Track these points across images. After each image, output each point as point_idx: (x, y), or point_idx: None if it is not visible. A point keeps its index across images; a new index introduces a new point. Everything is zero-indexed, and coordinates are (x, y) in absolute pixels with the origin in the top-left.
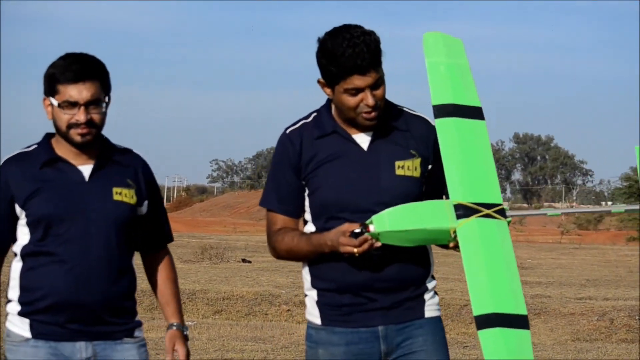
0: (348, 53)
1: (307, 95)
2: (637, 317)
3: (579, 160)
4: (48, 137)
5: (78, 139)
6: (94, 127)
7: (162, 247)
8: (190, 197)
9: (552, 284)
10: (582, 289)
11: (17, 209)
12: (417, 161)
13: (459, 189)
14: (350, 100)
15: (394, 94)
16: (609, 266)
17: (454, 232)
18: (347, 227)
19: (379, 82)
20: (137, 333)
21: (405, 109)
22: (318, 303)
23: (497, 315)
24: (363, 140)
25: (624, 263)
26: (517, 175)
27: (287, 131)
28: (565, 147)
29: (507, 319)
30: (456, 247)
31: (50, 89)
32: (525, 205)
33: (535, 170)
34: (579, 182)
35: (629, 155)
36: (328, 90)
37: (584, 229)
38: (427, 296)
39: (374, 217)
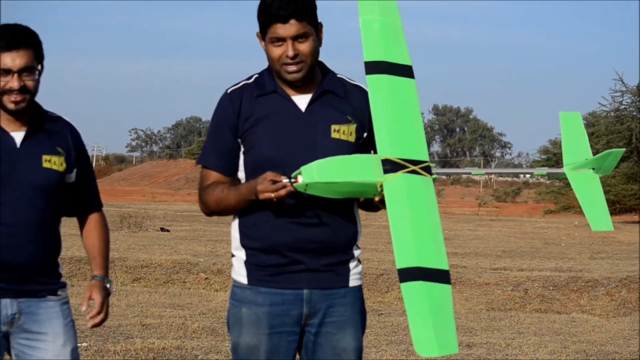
0: (274, 2)
1: (232, 66)
2: (550, 288)
3: (497, 133)
4: None
5: (11, 106)
6: (27, 93)
7: (93, 212)
8: (109, 166)
9: (468, 255)
10: (497, 260)
11: None
12: (353, 127)
13: (387, 145)
14: (275, 51)
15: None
16: (525, 238)
17: (381, 186)
18: (269, 174)
19: (303, 35)
20: (60, 292)
21: (345, 78)
22: (246, 263)
23: (420, 269)
24: (302, 102)
25: (540, 235)
26: (435, 147)
27: (228, 91)
28: (484, 120)
29: (429, 273)
30: (381, 202)
31: None
32: (444, 177)
33: (454, 142)
34: (498, 154)
35: (547, 128)
36: (262, 43)
37: (502, 201)
38: (352, 264)
39: (303, 168)
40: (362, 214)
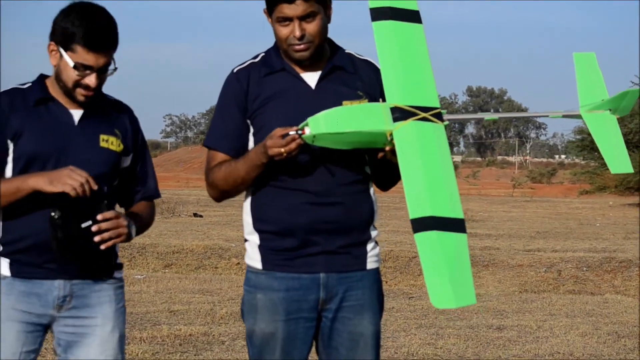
0: None
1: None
2: (584, 269)
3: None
4: (42, 77)
5: (82, 99)
6: (99, 90)
7: (148, 201)
8: None
9: (502, 236)
10: (531, 241)
11: (7, 142)
12: (365, 102)
13: (395, 92)
14: (282, 31)
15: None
16: (559, 219)
17: (391, 134)
18: (279, 129)
19: (311, 15)
20: (116, 274)
21: (353, 53)
22: (260, 247)
23: (434, 218)
24: (311, 79)
25: (575, 215)
26: (470, 129)
27: (235, 70)
28: (518, 100)
29: (443, 222)
30: (392, 152)
31: (64, 43)
32: (479, 159)
33: (489, 123)
34: (532, 135)
35: None
36: (270, 20)
37: (537, 182)
38: (369, 246)
39: (310, 119)
40: (392, 197)
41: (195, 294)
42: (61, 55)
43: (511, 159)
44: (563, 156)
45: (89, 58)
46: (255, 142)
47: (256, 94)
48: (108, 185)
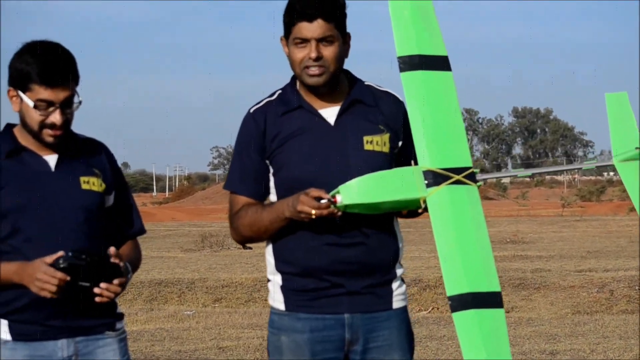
0: (301, 1)
1: None
2: (637, 288)
3: (579, 132)
4: (9, 126)
5: (50, 140)
6: (67, 127)
7: (131, 239)
8: (192, 185)
9: (553, 258)
10: (582, 261)
11: None
12: (386, 136)
13: (426, 154)
14: (297, 53)
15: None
16: (610, 237)
17: (424, 201)
18: (314, 190)
19: (330, 39)
20: (118, 325)
21: (372, 84)
22: (282, 288)
23: (471, 294)
24: (330, 114)
25: (625, 233)
26: (517, 150)
27: (251, 110)
28: (564, 119)
29: (480, 298)
30: (425, 210)
31: (21, 84)
32: (528, 179)
33: (536, 143)
34: (580, 153)
35: None
36: (285, 48)
37: (586, 200)
38: (394, 285)
39: (341, 188)
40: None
41: (244, 329)
42: (21, 99)
43: (560, 178)
44: (612, 173)
45: (47, 94)
46: (276, 182)
47: (274, 134)
48: (100, 227)
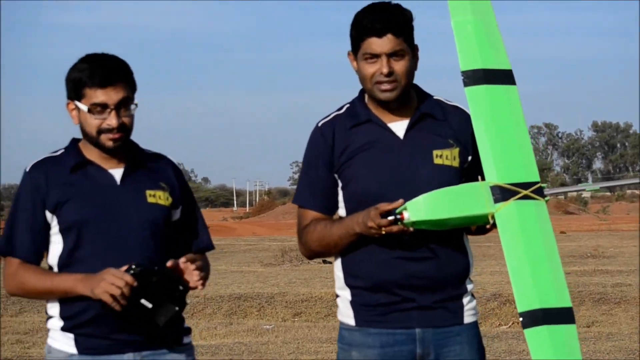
0: (369, 15)
1: None
2: None
3: None
4: (75, 141)
5: (110, 144)
6: (125, 131)
7: (201, 255)
8: (272, 200)
9: (634, 272)
10: None
11: (48, 215)
12: (456, 151)
13: (494, 169)
14: (367, 69)
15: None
16: None
17: (492, 217)
18: (382, 205)
19: (400, 53)
20: (185, 340)
21: (441, 99)
22: (352, 303)
23: (543, 310)
24: (399, 128)
25: None
26: (598, 164)
27: (319, 124)
28: None
29: (552, 314)
30: (493, 226)
31: (76, 93)
32: (609, 193)
33: (616, 158)
34: None
35: None
36: (354, 64)
37: None
38: (465, 300)
39: (409, 204)
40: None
41: (323, 343)
42: (78, 109)
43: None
44: None
45: (99, 96)
46: (344, 196)
47: (342, 148)
48: (166, 241)
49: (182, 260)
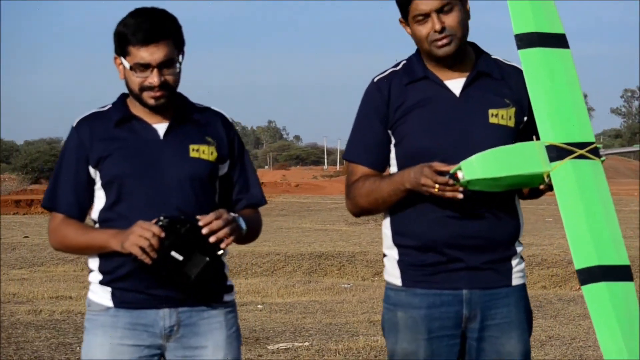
0: None
1: None
2: None
3: None
4: (123, 96)
5: (152, 102)
6: (168, 89)
7: (252, 209)
8: None
9: None
10: None
11: (91, 170)
12: (512, 110)
13: (549, 129)
14: (421, 30)
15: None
16: None
17: (548, 176)
18: (437, 164)
19: (448, 6)
20: (226, 297)
21: (499, 58)
22: (399, 262)
23: (601, 267)
24: (455, 86)
25: None
26: None
27: (375, 79)
28: None
29: (610, 271)
30: (547, 187)
31: (121, 49)
32: None
33: None
34: None
35: None
36: (408, 29)
37: None
38: (514, 262)
39: (463, 164)
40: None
41: None
42: (124, 65)
43: None
44: None
45: (141, 54)
46: (397, 153)
47: (398, 104)
48: (209, 196)
49: (210, 215)
